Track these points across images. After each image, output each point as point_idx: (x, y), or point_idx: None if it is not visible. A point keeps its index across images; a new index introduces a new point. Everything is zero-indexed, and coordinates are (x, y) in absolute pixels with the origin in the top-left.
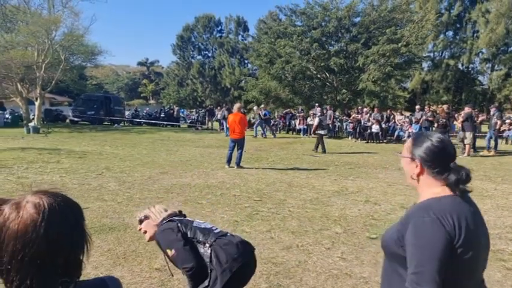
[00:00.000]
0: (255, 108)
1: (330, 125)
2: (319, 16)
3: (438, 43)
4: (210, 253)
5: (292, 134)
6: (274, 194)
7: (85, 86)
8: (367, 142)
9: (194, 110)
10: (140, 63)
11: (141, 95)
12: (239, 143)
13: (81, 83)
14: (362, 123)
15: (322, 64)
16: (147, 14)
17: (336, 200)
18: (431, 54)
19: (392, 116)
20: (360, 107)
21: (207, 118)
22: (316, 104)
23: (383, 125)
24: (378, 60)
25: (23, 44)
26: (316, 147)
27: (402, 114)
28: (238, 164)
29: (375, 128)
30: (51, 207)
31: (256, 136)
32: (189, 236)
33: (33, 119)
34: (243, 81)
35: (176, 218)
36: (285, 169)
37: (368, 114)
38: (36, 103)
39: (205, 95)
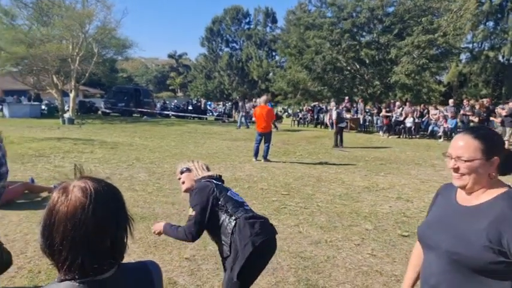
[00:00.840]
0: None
1: (361, 119)
2: (350, 6)
3: (477, 34)
4: (233, 226)
5: (321, 127)
6: (302, 189)
7: (116, 78)
8: (399, 137)
9: (221, 103)
10: (169, 56)
11: (170, 87)
12: (266, 136)
13: (113, 75)
14: (394, 117)
15: (352, 55)
16: (177, 7)
17: (366, 196)
18: (470, 46)
19: (426, 111)
20: (392, 101)
21: (233, 111)
22: (332, 100)
23: (416, 120)
24: (412, 52)
25: (58, 38)
26: (336, 142)
27: (437, 109)
28: (265, 158)
29: (409, 122)
30: (96, 191)
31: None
32: (220, 203)
33: (68, 110)
34: (271, 74)
35: (214, 180)
36: (313, 163)
37: (400, 109)
38: (71, 95)
39: (232, 87)
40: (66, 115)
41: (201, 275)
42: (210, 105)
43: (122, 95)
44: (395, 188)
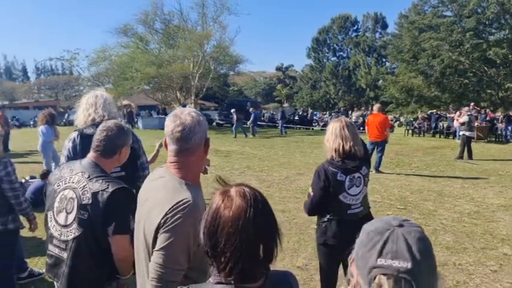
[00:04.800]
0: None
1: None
2: (473, 2)
3: None
4: None
5: (440, 137)
6: (422, 204)
7: (228, 92)
8: None
9: (327, 113)
10: (276, 69)
11: (276, 98)
12: (379, 146)
13: (225, 89)
14: None
15: (478, 56)
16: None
17: (502, 215)
18: None
19: None
20: None
21: None
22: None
23: None
24: None
25: (182, 58)
26: (462, 153)
27: None
28: (377, 169)
29: None
30: (255, 197)
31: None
32: None
33: None
34: (380, 81)
35: None
36: (432, 176)
37: None
38: None
39: (338, 96)
40: None
41: (313, 285)
42: (315, 115)
43: (234, 107)
44: None
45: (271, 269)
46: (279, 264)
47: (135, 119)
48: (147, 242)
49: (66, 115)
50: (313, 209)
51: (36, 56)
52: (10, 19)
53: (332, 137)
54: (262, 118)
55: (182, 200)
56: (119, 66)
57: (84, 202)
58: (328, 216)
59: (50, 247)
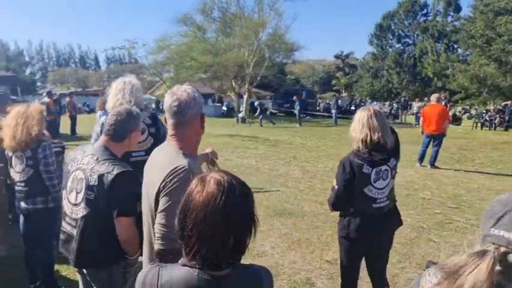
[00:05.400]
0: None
1: None
2: None
3: None
4: None
5: None
6: (477, 203)
7: (284, 80)
8: None
9: (387, 103)
10: (335, 56)
11: (334, 87)
12: (436, 139)
13: (281, 78)
14: None
15: None
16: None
17: None
18: None
19: None
20: None
21: (400, 111)
22: None
23: None
24: None
25: (237, 46)
26: None
27: None
28: (432, 164)
29: None
30: (230, 186)
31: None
32: None
33: (241, 111)
34: (450, 69)
35: None
36: (496, 174)
37: None
38: (245, 97)
39: (401, 86)
40: (240, 115)
41: (340, 281)
42: (375, 105)
43: (288, 96)
44: None
45: (301, 262)
46: (308, 257)
47: None
48: (150, 207)
49: None
50: (337, 202)
51: (107, 46)
52: (83, 10)
53: (359, 126)
54: (318, 108)
55: (179, 166)
56: (178, 55)
57: (91, 183)
58: (352, 209)
59: (63, 224)
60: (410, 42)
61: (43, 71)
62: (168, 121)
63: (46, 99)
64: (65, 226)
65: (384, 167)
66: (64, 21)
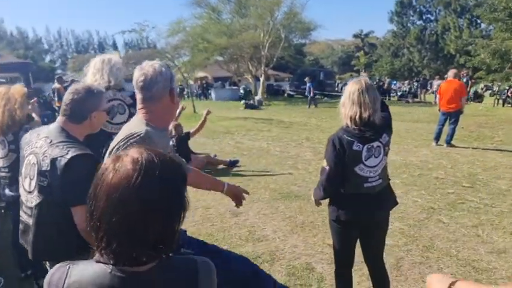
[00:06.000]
0: None
1: None
2: None
3: None
4: None
5: None
6: (493, 182)
7: (303, 62)
8: None
9: (406, 82)
10: (354, 36)
11: (354, 68)
12: (452, 117)
13: (299, 59)
14: None
15: None
16: None
17: None
18: None
19: None
20: None
21: (419, 90)
22: None
23: None
24: None
25: (252, 27)
26: None
27: None
28: (448, 142)
29: None
30: (149, 165)
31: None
32: None
33: (256, 94)
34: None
35: None
36: None
37: None
38: (261, 79)
39: (422, 64)
40: (257, 97)
41: None
42: (394, 84)
43: (305, 77)
44: None
45: (302, 246)
46: (310, 240)
47: (209, 90)
48: None
49: None
50: (330, 184)
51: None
52: None
53: (349, 102)
54: (336, 89)
55: (136, 132)
56: (193, 38)
57: (43, 168)
58: (342, 190)
59: (21, 213)
60: (432, 18)
61: (62, 58)
62: (136, 96)
63: (57, 85)
64: (22, 215)
65: (375, 144)
66: (82, 7)
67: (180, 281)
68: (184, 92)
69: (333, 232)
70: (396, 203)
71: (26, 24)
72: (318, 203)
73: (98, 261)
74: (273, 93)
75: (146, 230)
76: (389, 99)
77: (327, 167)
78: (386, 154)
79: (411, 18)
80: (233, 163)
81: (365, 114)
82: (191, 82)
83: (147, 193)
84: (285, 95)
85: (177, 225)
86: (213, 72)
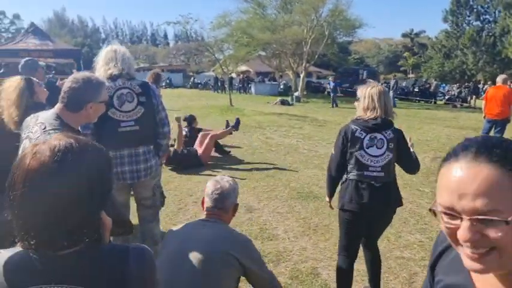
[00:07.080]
0: None
1: None
2: None
3: None
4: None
5: None
6: None
7: (346, 59)
8: None
9: (455, 85)
10: (403, 35)
11: (401, 68)
12: (498, 125)
13: (343, 57)
14: None
15: None
16: None
17: None
18: None
19: None
20: None
21: (469, 95)
22: None
23: None
24: None
25: (296, 23)
26: None
27: None
28: None
29: None
30: (67, 151)
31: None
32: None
33: (296, 90)
34: None
35: None
36: None
37: None
38: (301, 75)
39: (476, 67)
40: (296, 93)
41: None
42: (443, 87)
43: (347, 76)
44: None
45: (312, 249)
46: (321, 244)
47: (249, 85)
48: None
49: (192, 78)
50: (334, 166)
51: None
52: None
53: (364, 105)
54: None
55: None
56: (237, 32)
57: None
58: (345, 176)
59: None
60: (491, 19)
61: None
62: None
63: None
64: None
65: (378, 135)
66: None
67: (105, 267)
68: (225, 85)
69: (339, 220)
70: (400, 204)
71: (84, 13)
72: (330, 203)
73: (23, 247)
74: (313, 90)
75: (64, 215)
76: (435, 103)
77: (333, 153)
78: (391, 151)
79: (467, 18)
80: (236, 124)
81: (377, 114)
82: (234, 75)
83: (64, 178)
84: (325, 92)
85: (98, 210)
86: (255, 67)
